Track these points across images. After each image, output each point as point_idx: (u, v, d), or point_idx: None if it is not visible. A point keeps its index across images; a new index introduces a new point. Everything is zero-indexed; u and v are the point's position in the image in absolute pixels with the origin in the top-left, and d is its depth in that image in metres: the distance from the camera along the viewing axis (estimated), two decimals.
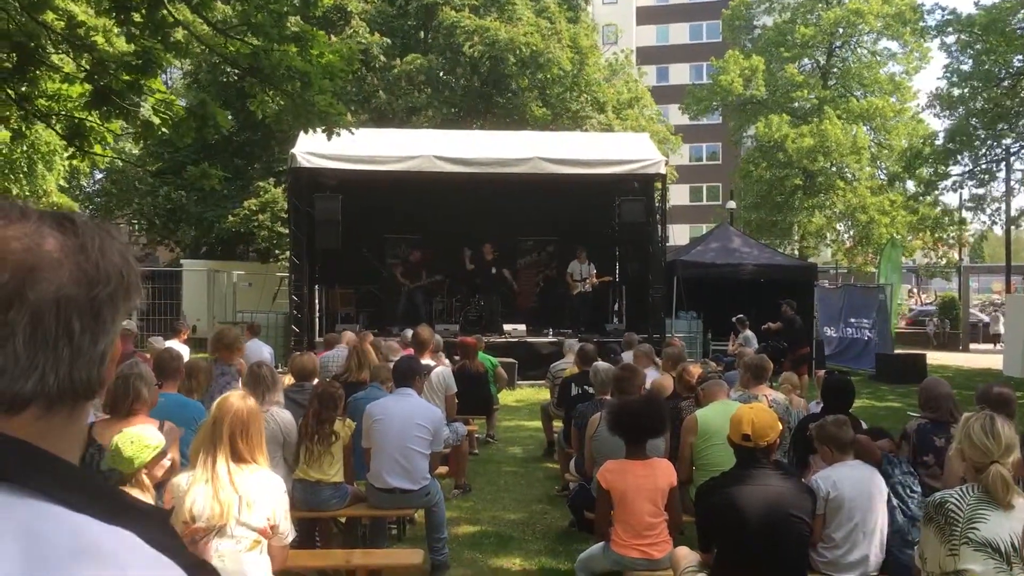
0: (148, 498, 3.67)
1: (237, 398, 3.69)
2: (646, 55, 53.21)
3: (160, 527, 0.87)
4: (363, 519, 5.96)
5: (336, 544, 5.78)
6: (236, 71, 8.35)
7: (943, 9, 23.01)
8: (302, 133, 12.10)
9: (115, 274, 0.91)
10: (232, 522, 3.45)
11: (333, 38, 24.19)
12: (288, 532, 3.65)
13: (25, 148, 18.78)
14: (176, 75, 30.00)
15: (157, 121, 7.64)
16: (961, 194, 24.33)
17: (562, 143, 17.78)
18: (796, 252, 36.86)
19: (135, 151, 23.50)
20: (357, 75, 25.21)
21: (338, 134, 8.80)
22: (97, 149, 8.62)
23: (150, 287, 21.01)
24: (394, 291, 17.03)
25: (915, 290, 45.69)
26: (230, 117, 8.28)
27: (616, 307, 18.55)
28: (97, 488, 0.87)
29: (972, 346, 29.43)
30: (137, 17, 7.27)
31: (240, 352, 7.23)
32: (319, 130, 8.69)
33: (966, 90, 22.77)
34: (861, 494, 4.32)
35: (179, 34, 8.38)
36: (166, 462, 3.80)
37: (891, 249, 23.36)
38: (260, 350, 9.86)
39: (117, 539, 0.81)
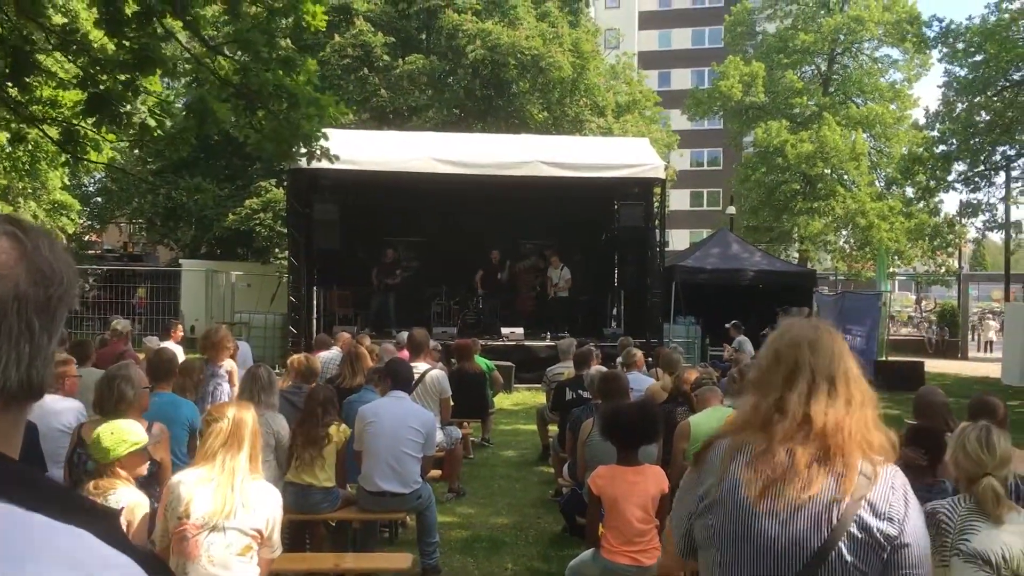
0: (127, 488, 3.67)
1: (243, 409, 3.70)
2: (648, 60, 53.18)
3: (110, 525, 0.89)
4: (354, 522, 5.93)
5: (326, 547, 5.75)
6: (229, 90, 8.27)
7: (940, 21, 22.86)
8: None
9: (66, 275, 0.93)
10: (229, 522, 3.47)
11: (337, 37, 24.34)
12: (277, 546, 3.67)
13: (30, 147, 18.80)
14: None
15: (153, 123, 7.62)
16: (961, 202, 24.37)
17: (562, 147, 17.76)
18: (796, 257, 36.86)
19: (135, 151, 23.50)
20: (360, 75, 25.24)
21: (318, 160, 8.77)
22: (92, 156, 8.60)
23: (149, 286, 21.00)
24: (370, 292, 16.93)
25: (914, 297, 45.67)
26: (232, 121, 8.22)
27: (614, 312, 18.54)
28: (49, 488, 0.89)
29: (971, 354, 29.44)
30: (129, 31, 7.24)
31: (227, 352, 7.20)
32: (300, 158, 8.65)
33: (964, 104, 22.75)
34: None
35: (169, 49, 8.34)
36: (144, 468, 3.81)
37: (883, 256, 23.47)
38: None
39: (72, 536, 0.82)
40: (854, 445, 1.86)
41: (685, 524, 2.01)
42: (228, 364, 7.18)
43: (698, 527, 1.97)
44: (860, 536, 1.81)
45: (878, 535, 1.81)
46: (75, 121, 8.55)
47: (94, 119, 7.81)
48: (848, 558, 1.80)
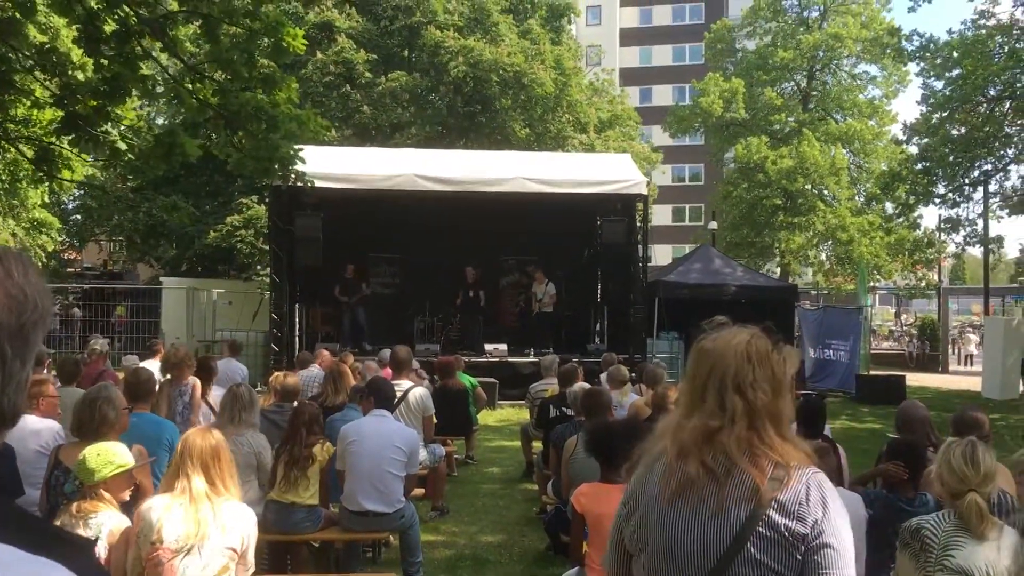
0: (110, 511, 3.62)
1: (200, 435, 3.66)
2: (629, 76, 53.53)
3: (86, 558, 0.88)
4: (337, 543, 5.88)
5: (309, 568, 5.69)
6: (208, 112, 8.18)
7: (920, 35, 23.11)
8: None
9: (40, 301, 0.91)
10: (204, 543, 3.43)
11: (319, 55, 24.35)
12: (251, 565, 3.64)
13: (9, 167, 18.67)
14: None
15: (124, 147, 7.59)
16: (940, 216, 24.62)
17: (544, 163, 17.81)
18: (777, 272, 37.04)
19: (114, 169, 23.35)
20: (342, 92, 25.25)
21: (295, 184, 8.77)
22: (66, 175, 8.56)
23: (129, 304, 20.82)
24: (338, 310, 16.83)
25: (894, 311, 46.01)
26: (211, 139, 8.21)
27: (597, 327, 18.55)
28: (21, 518, 0.87)
29: (952, 367, 29.65)
30: (107, 50, 7.21)
31: (190, 370, 7.14)
32: (278, 177, 8.65)
33: (944, 113, 22.95)
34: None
35: (147, 67, 8.29)
36: (127, 492, 3.76)
37: (863, 270, 23.73)
38: (234, 371, 9.71)
39: (39, 566, 0.81)
40: (758, 453, 1.89)
41: (615, 535, 2.07)
42: (192, 381, 7.14)
43: (627, 537, 2.03)
44: (769, 535, 1.84)
45: (786, 533, 1.84)
46: (49, 140, 8.50)
47: (71, 138, 7.77)
48: (758, 556, 1.84)
